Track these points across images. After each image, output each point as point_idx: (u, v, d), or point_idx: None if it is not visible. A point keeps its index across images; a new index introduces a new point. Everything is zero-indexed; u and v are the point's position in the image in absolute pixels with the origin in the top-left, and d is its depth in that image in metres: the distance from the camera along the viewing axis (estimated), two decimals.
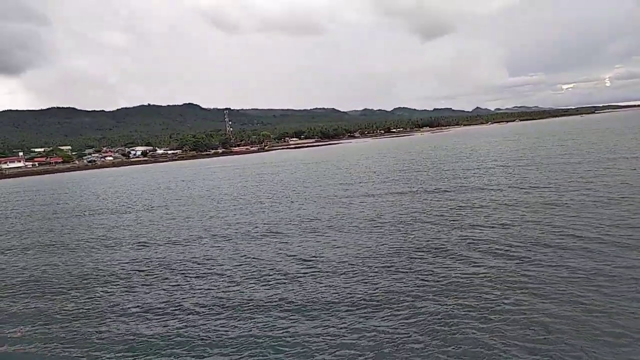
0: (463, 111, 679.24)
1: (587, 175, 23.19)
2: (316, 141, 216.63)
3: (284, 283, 11.49)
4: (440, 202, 20.46)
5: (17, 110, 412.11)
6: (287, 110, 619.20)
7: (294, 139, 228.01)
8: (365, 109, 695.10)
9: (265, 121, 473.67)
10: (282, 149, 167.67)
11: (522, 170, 28.85)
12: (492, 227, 14.73)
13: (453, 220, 16.42)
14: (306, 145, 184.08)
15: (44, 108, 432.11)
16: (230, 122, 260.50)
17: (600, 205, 15.97)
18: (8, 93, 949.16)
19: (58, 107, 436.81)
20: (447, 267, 11.37)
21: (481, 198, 20.20)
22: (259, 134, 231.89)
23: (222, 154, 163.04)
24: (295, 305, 9.96)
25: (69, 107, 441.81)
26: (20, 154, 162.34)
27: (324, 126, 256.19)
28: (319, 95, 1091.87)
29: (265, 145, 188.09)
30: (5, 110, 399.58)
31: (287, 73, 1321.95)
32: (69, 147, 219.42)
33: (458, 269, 11.19)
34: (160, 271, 13.74)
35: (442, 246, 13.20)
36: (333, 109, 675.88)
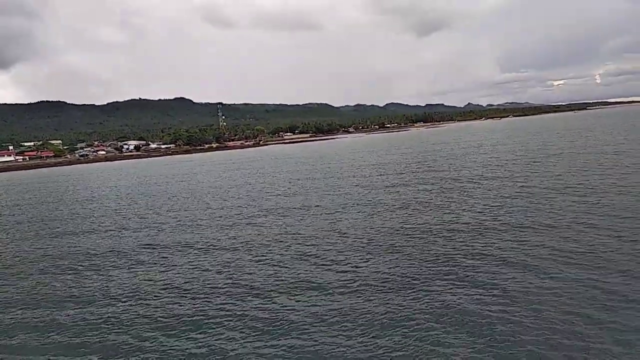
0: (455, 107, 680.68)
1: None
2: (311, 136, 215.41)
3: (300, 267, 11.72)
4: (459, 194, 19.75)
5: (5, 104, 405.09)
6: (280, 105, 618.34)
7: (288, 133, 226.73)
8: (357, 105, 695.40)
9: (258, 116, 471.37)
10: (277, 143, 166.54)
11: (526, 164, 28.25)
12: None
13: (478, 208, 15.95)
14: (301, 140, 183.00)
15: (33, 102, 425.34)
16: (223, 117, 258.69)
17: None
18: None
19: (48, 101, 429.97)
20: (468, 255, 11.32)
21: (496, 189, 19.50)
22: (252, 128, 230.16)
23: (217, 148, 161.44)
24: (314, 288, 10.20)
25: (59, 101, 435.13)
26: (11, 147, 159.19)
27: (318, 121, 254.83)
28: (312, 90, 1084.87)
29: (259, 140, 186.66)
30: None
31: (280, 68, 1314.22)
32: (60, 142, 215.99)
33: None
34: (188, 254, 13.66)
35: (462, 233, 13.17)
36: (326, 104, 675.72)
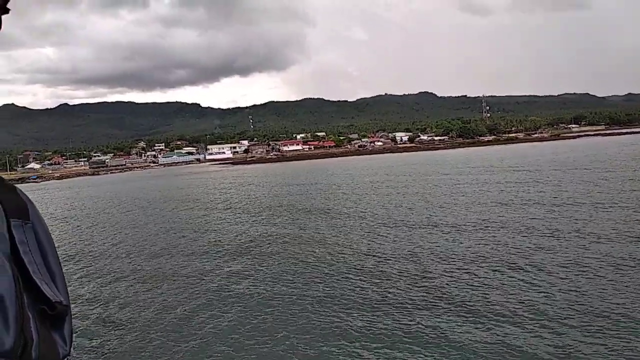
0: None
1: None
2: (606, 128, 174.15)
3: None
4: None
5: (278, 101, 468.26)
6: (530, 96, 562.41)
7: (573, 125, 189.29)
8: (629, 94, 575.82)
9: (507, 108, 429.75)
10: (577, 137, 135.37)
11: None
12: None
13: None
14: (601, 133, 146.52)
15: (299, 99, 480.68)
16: (488, 107, 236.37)
17: None
18: (273, 87, 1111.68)
19: (310, 98, 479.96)
20: None
21: None
22: (526, 120, 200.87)
23: (497, 141, 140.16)
24: None
25: (319, 98, 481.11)
26: (299, 136, 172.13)
27: (613, 111, 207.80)
28: (569, 78, 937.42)
29: (544, 133, 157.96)
30: (269, 102, 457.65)
31: (531, 55, 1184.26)
32: (324, 134, 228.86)
33: None
34: None
35: None
36: (587, 93, 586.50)
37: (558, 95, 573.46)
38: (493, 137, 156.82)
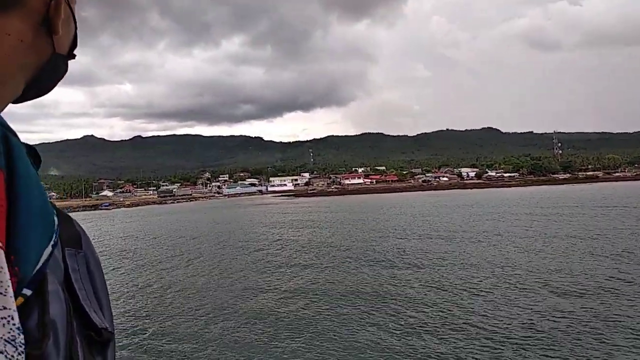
0: None
1: None
2: None
3: None
4: None
5: (337, 136, 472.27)
6: (603, 133, 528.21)
7: None
8: None
9: (577, 145, 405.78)
10: None
11: None
12: None
13: None
14: None
15: (358, 133, 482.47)
16: (559, 144, 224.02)
17: None
18: (333, 122, 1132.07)
19: (369, 133, 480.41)
20: None
21: None
22: (601, 158, 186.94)
23: (575, 180, 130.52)
24: None
25: (378, 133, 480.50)
26: (360, 170, 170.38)
27: None
28: None
29: (627, 172, 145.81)
30: (329, 136, 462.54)
31: (603, 91, 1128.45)
32: (384, 167, 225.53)
33: None
34: None
35: None
36: None
37: (634, 132, 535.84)
38: (569, 175, 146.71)
